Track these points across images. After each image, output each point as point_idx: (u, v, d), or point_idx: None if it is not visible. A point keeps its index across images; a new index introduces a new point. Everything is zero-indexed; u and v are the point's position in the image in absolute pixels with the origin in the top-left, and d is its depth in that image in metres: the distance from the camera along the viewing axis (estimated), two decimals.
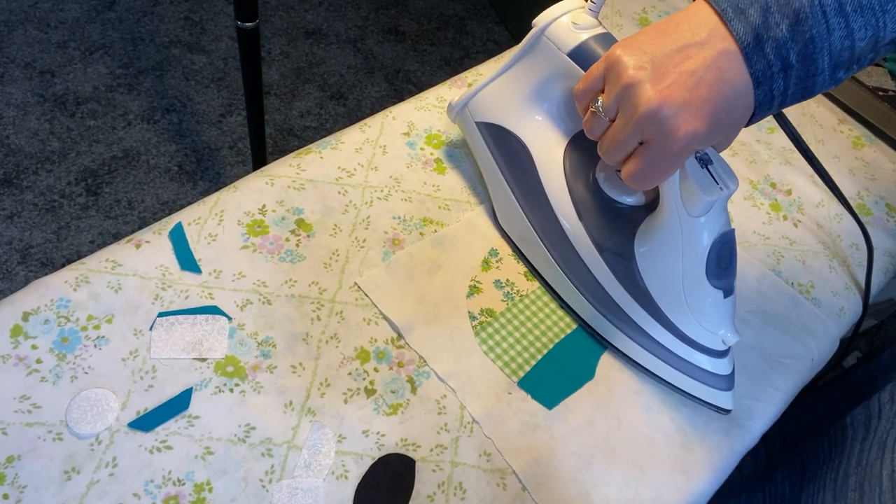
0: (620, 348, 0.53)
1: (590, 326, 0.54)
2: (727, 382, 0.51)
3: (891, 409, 0.53)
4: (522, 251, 0.58)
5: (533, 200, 0.55)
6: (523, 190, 0.55)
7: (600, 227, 0.52)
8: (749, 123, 0.40)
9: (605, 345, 0.54)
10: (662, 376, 0.52)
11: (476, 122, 0.57)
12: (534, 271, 0.57)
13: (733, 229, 0.48)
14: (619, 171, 0.43)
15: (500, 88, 0.55)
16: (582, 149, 0.54)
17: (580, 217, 0.52)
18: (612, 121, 0.41)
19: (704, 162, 0.45)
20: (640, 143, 0.40)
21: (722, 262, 0.47)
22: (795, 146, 0.50)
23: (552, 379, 0.52)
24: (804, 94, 0.39)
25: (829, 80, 0.38)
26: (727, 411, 0.52)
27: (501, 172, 0.57)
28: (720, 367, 0.50)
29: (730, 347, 0.50)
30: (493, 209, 0.60)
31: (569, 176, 0.53)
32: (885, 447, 0.50)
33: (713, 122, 0.37)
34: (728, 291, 0.48)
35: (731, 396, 0.51)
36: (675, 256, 0.48)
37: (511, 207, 0.57)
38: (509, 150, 0.56)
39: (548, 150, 0.55)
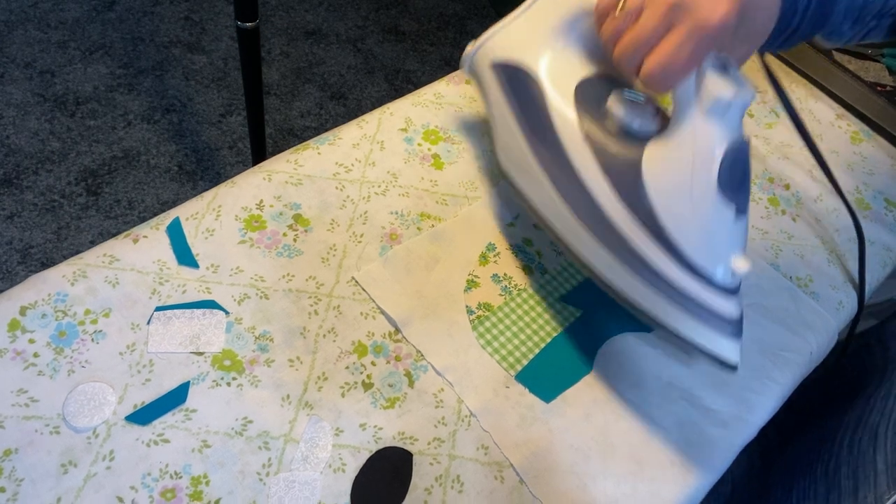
0: (615, 285, 0.49)
1: (584, 264, 0.51)
2: (734, 329, 0.46)
3: (882, 402, 0.53)
4: (520, 187, 0.55)
5: (537, 131, 0.53)
6: (529, 120, 0.53)
7: (606, 150, 0.49)
8: (764, 49, 0.41)
9: (600, 287, 0.51)
10: (661, 316, 0.47)
11: (493, 63, 0.56)
12: (531, 210, 0.54)
13: (748, 142, 0.45)
14: (631, 91, 0.42)
15: (522, 27, 0.54)
16: (597, 86, 0.52)
17: (586, 140, 0.50)
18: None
19: (725, 66, 0.43)
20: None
21: (735, 174, 0.44)
22: (798, 132, 0.49)
23: (550, 373, 0.52)
24: (815, 25, 0.40)
25: (839, 22, 0.39)
26: (733, 368, 0.46)
27: (509, 106, 0.55)
28: (727, 308, 0.46)
29: (739, 286, 0.47)
30: (494, 150, 0.57)
31: (580, 107, 0.51)
32: (876, 435, 0.50)
33: (742, 11, 0.38)
34: (741, 210, 0.45)
35: (738, 349, 0.46)
36: (686, 166, 0.45)
37: (513, 140, 0.54)
38: (521, 86, 0.54)
39: (562, 84, 0.53)
